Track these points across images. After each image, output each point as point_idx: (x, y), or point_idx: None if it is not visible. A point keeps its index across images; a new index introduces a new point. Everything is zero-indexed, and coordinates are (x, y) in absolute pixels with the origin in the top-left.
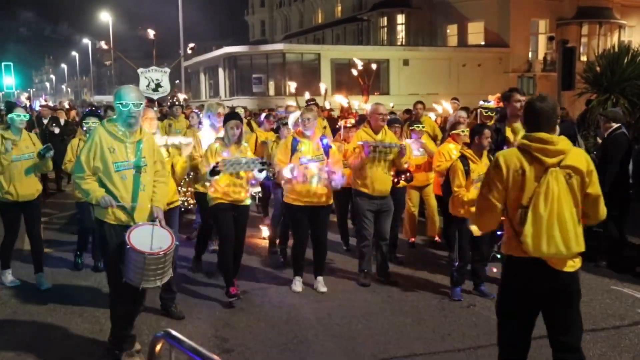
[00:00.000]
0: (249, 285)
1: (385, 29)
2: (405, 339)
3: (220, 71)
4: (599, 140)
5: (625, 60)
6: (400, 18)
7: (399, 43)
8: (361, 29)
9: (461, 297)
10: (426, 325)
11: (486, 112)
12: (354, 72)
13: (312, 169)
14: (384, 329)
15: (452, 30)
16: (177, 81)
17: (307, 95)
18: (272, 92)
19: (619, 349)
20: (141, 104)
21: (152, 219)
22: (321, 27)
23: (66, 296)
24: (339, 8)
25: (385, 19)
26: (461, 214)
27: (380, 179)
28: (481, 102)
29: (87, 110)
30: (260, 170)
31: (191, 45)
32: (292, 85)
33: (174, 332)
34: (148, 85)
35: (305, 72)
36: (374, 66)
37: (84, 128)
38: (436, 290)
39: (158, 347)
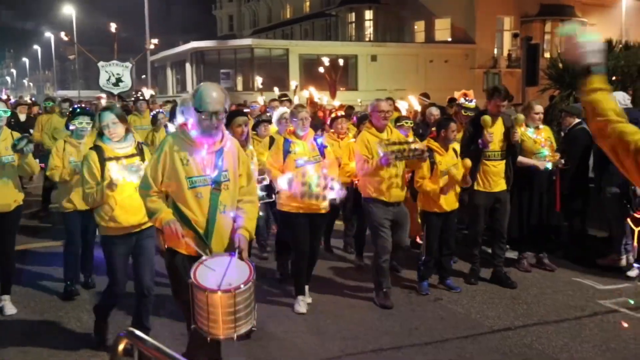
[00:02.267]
0: None
1: (354, 25)
2: (373, 334)
3: (188, 66)
4: (562, 135)
5: None
6: (368, 14)
7: (367, 39)
8: (329, 25)
9: (428, 291)
10: (394, 320)
11: (465, 112)
12: (321, 69)
13: (309, 171)
14: (352, 324)
15: (419, 26)
16: (144, 76)
17: (276, 91)
18: (240, 87)
19: (580, 339)
20: (225, 110)
21: (233, 248)
22: (289, 23)
23: (49, 331)
24: (307, 3)
25: (354, 14)
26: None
27: (397, 184)
28: (462, 101)
29: (75, 107)
30: (261, 198)
31: (154, 41)
32: (259, 81)
33: (137, 332)
34: (108, 80)
35: (273, 67)
36: (341, 62)
37: (71, 128)
38: (403, 285)
39: (121, 347)
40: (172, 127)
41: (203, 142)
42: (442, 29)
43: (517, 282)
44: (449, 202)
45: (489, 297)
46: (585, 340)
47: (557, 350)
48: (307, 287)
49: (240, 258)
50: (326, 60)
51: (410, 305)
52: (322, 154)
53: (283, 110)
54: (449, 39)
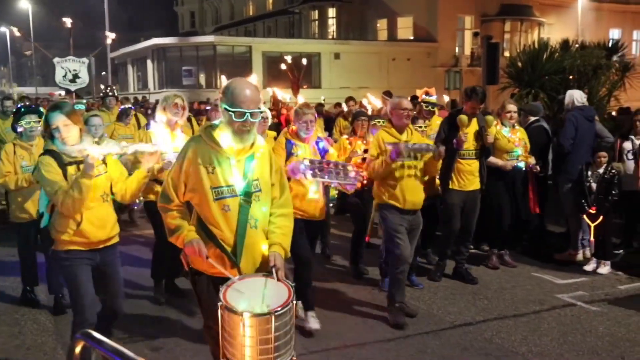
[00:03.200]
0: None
1: (317, 23)
2: (336, 330)
3: (149, 63)
4: None
5: (545, 57)
6: (332, 12)
7: (330, 37)
8: (292, 22)
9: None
10: (357, 316)
11: (426, 107)
12: (283, 67)
13: (309, 177)
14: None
15: (382, 24)
16: (104, 73)
17: None
18: (203, 84)
19: (539, 333)
20: (261, 110)
21: (266, 268)
22: (252, 20)
23: None
24: (270, 0)
25: (317, 12)
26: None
27: (413, 189)
28: (424, 97)
29: (19, 106)
30: None
31: (112, 35)
32: (223, 79)
33: (94, 333)
34: (65, 76)
35: (236, 64)
36: (304, 60)
37: (18, 129)
38: (366, 281)
39: (78, 349)
40: (155, 126)
41: (232, 146)
42: (405, 27)
43: (478, 278)
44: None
45: (450, 293)
46: (543, 333)
47: (517, 344)
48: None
49: (278, 278)
50: (289, 58)
51: (373, 302)
52: (323, 159)
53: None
54: (412, 38)
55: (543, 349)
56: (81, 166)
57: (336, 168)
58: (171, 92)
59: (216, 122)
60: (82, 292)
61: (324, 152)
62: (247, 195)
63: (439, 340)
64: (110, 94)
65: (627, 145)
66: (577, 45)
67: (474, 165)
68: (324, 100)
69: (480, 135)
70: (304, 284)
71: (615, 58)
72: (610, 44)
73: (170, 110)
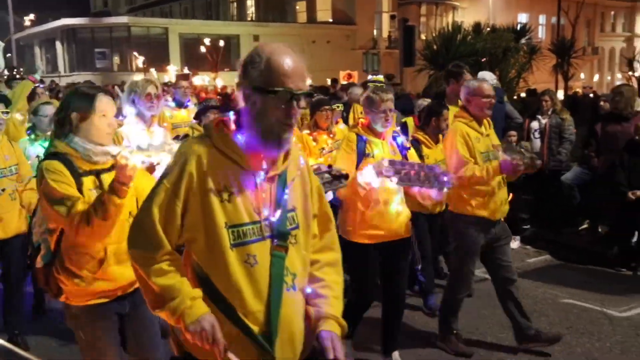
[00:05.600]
0: None
1: (235, 4)
2: None
3: (58, 45)
4: None
5: (458, 39)
6: None
7: (249, 18)
8: (210, 3)
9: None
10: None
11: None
12: (203, 49)
13: (390, 185)
14: None
15: (301, 6)
16: (9, 55)
17: (153, 73)
18: (117, 67)
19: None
20: (311, 93)
21: (314, 354)
22: (169, 0)
23: None
24: None
25: None
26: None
27: (503, 196)
28: (370, 77)
29: None
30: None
31: (30, 17)
32: (140, 59)
33: (6, 344)
34: None
35: (152, 47)
36: (222, 43)
37: None
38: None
39: None
40: (126, 123)
41: (263, 155)
42: (324, 9)
43: None
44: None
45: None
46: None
47: (430, 321)
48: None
49: None
50: (207, 41)
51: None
52: (405, 158)
53: None
54: (331, 20)
55: (460, 324)
56: (105, 177)
57: (422, 169)
58: (139, 78)
59: (231, 116)
60: None
61: (404, 150)
62: (282, 237)
63: None
64: (18, 76)
65: (534, 124)
66: (488, 29)
67: None
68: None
69: None
70: (391, 326)
71: (523, 41)
72: (518, 28)
73: (142, 104)
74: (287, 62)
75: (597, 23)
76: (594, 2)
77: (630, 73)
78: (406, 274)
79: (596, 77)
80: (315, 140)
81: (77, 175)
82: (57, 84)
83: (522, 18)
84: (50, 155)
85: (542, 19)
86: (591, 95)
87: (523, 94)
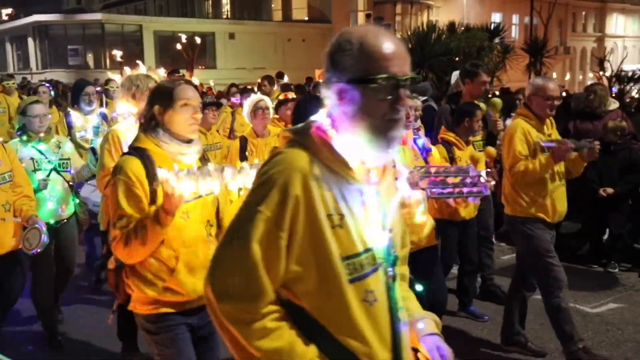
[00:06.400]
0: None
1: (210, 2)
2: None
3: (30, 41)
4: None
5: (433, 38)
6: None
7: (224, 16)
8: (185, 1)
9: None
10: None
11: None
12: (179, 46)
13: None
14: None
15: (276, 4)
16: None
17: (127, 71)
18: (91, 64)
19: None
20: (419, 78)
21: None
22: None
23: None
24: None
25: None
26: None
27: (562, 197)
28: None
29: None
30: None
31: (7, 11)
32: (117, 55)
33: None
34: None
35: (127, 44)
36: (198, 40)
37: None
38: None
39: None
40: (122, 121)
41: (368, 164)
42: (299, 7)
43: None
44: (467, 208)
45: None
46: None
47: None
48: None
49: None
50: (183, 38)
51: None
52: (427, 162)
53: (257, 97)
54: (306, 18)
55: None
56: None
57: (457, 174)
58: (137, 72)
59: (314, 118)
60: None
61: (425, 152)
62: (392, 264)
63: None
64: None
65: (509, 122)
66: (462, 28)
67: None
68: (212, 85)
69: (485, 122)
70: None
71: (496, 41)
72: (492, 27)
73: (143, 99)
74: (386, 43)
75: (569, 23)
76: (566, 2)
77: (601, 73)
78: (437, 281)
79: (568, 77)
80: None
81: (153, 176)
82: (28, 81)
83: (496, 18)
84: (132, 150)
85: (515, 18)
86: (563, 94)
87: (497, 93)
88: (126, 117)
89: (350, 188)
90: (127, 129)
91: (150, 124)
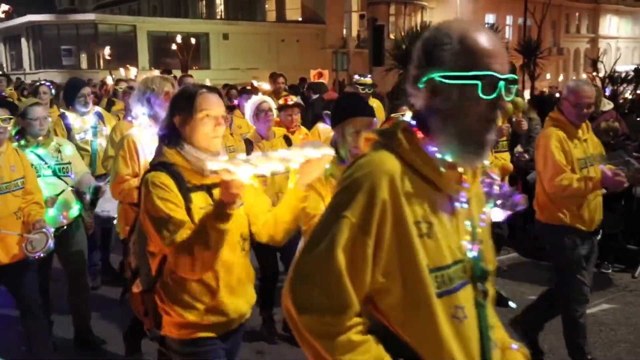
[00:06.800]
0: None
1: (204, 2)
2: None
3: (23, 41)
4: None
5: None
6: None
7: (218, 17)
8: (179, 1)
9: None
10: None
11: (362, 89)
12: (174, 47)
13: None
14: None
15: (270, 5)
16: None
17: (121, 72)
18: (84, 65)
19: None
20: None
21: None
22: None
23: None
24: None
25: None
26: None
27: (598, 205)
28: (356, 77)
29: None
30: None
31: (4, 7)
32: (106, 52)
33: None
34: None
35: (120, 44)
36: (193, 41)
37: None
38: None
39: None
40: (140, 119)
41: (459, 169)
42: (293, 8)
43: None
44: None
45: None
46: None
47: None
48: None
49: None
50: (178, 38)
51: None
52: None
53: (259, 98)
54: (300, 19)
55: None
56: (217, 193)
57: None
58: (153, 75)
59: (405, 117)
60: None
61: None
62: (484, 279)
63: None
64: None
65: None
66: None
67: (507, 158)
68: (209, 83)
69: (509, 121)
70: None
71: None
72: None
73: (160, 104)
74: (488, 39)
75: (562, 24)
76: (559, 3)
77: (594, 73)
78: None
79: (561, 77)
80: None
81: (186, 191)
82: (22, 81)
83: (490, 18)
84: (157, 165)
85: (508, 19)
86: (557, 95)
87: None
88: (141, 122)
89: (440, 194)
90: (142, 134)
91: (172, 136)
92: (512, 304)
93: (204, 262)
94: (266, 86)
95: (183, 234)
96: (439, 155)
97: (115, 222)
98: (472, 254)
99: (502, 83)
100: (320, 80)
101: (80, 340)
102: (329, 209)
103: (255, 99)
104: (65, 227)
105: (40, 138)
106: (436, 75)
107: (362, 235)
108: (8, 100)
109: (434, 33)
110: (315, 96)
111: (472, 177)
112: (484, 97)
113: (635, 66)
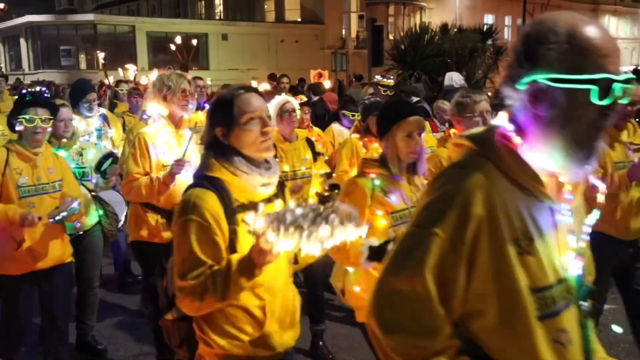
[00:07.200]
0: None
1: (203, 3)
2: None
3: (22, 41)
4: None
5: (426, 40)
6: None
7: (217, 17)
8: (178, 2)
9: None
10: None
11: (384, 91)
12: (172, 47)
13: None
14: None
15: (269, 5)
16: None
17: (120, 72)
18: (83, 65)
19: None
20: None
21: None
22: None
23: None
24: None
25: None
26: None
27: (637, 211)
28: (378, 78)
29: (24, 92)
30: None
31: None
32: (101, 56)
33: None
34: None
35: (119, 45)
36: (194, 42)
37: (17, 128)
38: None
39: None
40: (154, 118)
41: (562, 179)
42: (292, 9)
43: None
44: None
45: None
46: None
47: None
48: None
49: None
50: (177, 39)
51: None
52: None
53: (283, 99)
54: (299, 19)
55: None
56: (266, 210)
57: None
58: (169, 72)
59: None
60: None
61: None
62: (585, 297)
63: None
64: None
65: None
66: (455, 29)
67: None
68: (209, 83)
69: None
70: None
71: (489, 42)
72: (485, 29)
73: (176, 102)
74: (600, 35)
75: None
76: (558, 4)
77: None
78: None
79: None
80: (365, 147)
81: (232, 213)
82: (21, 81)
83: (489, 19)
84: (204, 178)
85: (507, 20)
86: None
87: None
88: (156, 120)
89: (540, 207)
90: (156, 133)
91: (219, 147)
92: None
93: (207, 309)
94: (265, 86)
95: (201, 279)
96: (539, 164)
97: (120, 224)
98: (576, 271)
99: (618, 86)
100: (320, 81)
101: (83, 345)
102: (416, 224)
103: (278, 99)
104: (81, 232)
105: (64, 140)
106: (541, 78)
107: (453, 255)
108: (49, 100)
109: (536, 27)
110: (315, 98)
111: (575, 186)
112: (598, 102)
113: (634, 66)
